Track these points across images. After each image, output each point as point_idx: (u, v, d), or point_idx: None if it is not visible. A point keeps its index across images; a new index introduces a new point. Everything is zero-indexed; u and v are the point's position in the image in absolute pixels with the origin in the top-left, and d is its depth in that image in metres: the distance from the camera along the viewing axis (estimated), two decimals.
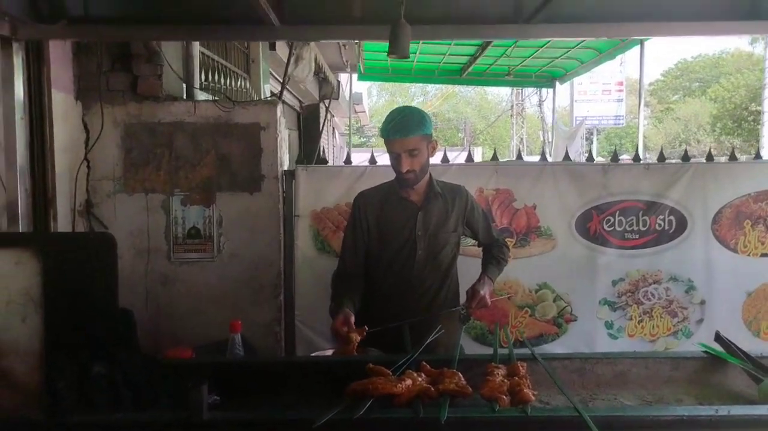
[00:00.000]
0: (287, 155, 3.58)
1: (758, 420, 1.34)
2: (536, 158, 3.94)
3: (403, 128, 2.26)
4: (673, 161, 3.69)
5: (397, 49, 2.34)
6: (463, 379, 1.55)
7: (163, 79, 3.32)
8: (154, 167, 3.24)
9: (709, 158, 3.60)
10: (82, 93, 3.20)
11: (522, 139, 21.91)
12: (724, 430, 1.32)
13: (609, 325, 3.46)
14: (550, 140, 12.83)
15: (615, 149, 3.72)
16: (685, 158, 3.58)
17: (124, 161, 3.23)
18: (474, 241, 2.72)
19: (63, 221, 2.94)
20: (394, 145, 2.29)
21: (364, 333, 2.09)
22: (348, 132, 12.69)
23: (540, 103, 19.68)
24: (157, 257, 3.25)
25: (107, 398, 1.48)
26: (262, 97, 5.29)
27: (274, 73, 6.11)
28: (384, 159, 2.82)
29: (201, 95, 3.64)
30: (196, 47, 3.73)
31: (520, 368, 1.64)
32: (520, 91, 21.43)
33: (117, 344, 1.80)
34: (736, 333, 2.92)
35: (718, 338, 1.88)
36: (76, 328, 1.71)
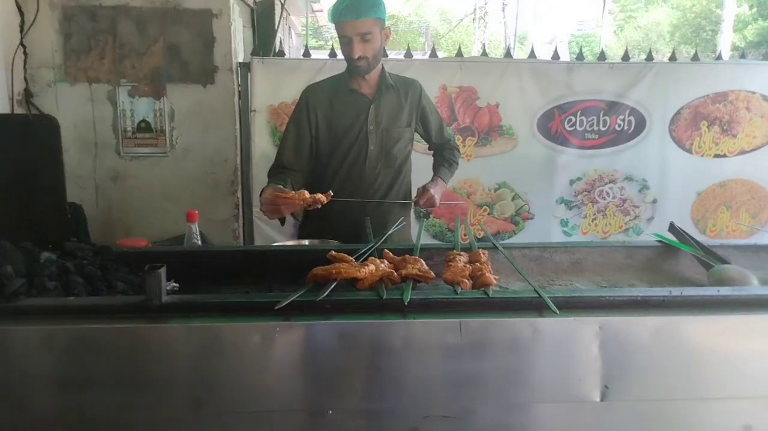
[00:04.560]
0: (242, 46, 3.39)
1: (708, 300, 1.39)
2: None
3: (356, 8, 2.10)
4: (637, 60, 3.67)
5: None
6: (425, 265, 1.55)
7: None
8: (97, 54, 3.03)
9: (672, 58, 3.58)
10: None
11: (483, 45, 21.52)
12: (676, 309, 1.35)
13: (564, 223, 3.55)
14: (512, 46, 12.61)
15: (580, 49, 3.65)
16: (649, 58, 3.55)
17: (64, 48, 3.01)
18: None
19: (1, 110, 2.75)
20: (346, 27, 2.13)
21: (330, 197, 1.98)
22: (305, 33, 12.18)
23: (503, 8, 19.18)
24: (105, 151, 3.11)
25: (58, 284, 1.42)
26: None
27: None
28: None
29: None
30: None
31: (482, 254, 1.65)
32: None
33: (66, 234, 1.73)
34: None
35: (672, 228, 1.93)
36: (22, 216, 1.63)
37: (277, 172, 2.28)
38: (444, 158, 2.52)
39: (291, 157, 2.31)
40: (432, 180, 2.41)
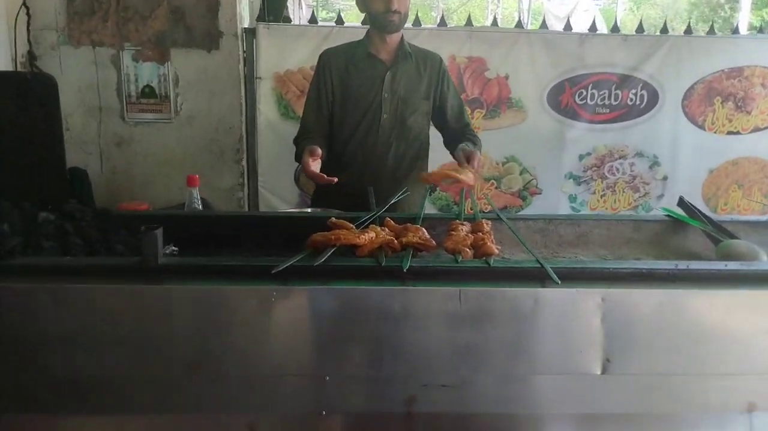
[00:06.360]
0: (247, 11, 3.33)
1: (715, 274, 1.36)
2: None
3: None
4: (651, 33, 3.58)
5: None
6: (426, 233, 1.53)
7: None
8: (101, 17, 2.98)
9: (688, 31, 3.49)
10: None
11: (495, 16, 21.17)
12: (681, 283, 1.32)
13: (572, 198, 3.51)
14: (525, 21, 12.36)
15: (593, 20, 3.57)
16: (664, 30, 3.47)
17: (67, 10, 2.96)
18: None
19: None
20: None
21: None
22: (315, 4, 12.00)
23: None
24: (109, 116, 3.08)
25: (55, 244, 1.40)
26: None
27: None
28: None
29: None
30: None
31: (485, 224, 1.62)
32: None
33: (66, 195, 1.71)
34: None
35: (682, 202, 1.89)
36: (20, 176, 1.61)
37: (303, 138, 2.24)
38: (467, 138, 2.29)
39: (313, 123, 2.27)
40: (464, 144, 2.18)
